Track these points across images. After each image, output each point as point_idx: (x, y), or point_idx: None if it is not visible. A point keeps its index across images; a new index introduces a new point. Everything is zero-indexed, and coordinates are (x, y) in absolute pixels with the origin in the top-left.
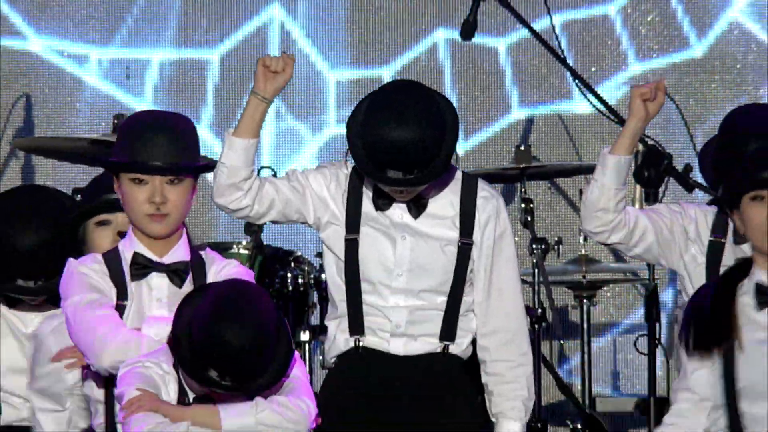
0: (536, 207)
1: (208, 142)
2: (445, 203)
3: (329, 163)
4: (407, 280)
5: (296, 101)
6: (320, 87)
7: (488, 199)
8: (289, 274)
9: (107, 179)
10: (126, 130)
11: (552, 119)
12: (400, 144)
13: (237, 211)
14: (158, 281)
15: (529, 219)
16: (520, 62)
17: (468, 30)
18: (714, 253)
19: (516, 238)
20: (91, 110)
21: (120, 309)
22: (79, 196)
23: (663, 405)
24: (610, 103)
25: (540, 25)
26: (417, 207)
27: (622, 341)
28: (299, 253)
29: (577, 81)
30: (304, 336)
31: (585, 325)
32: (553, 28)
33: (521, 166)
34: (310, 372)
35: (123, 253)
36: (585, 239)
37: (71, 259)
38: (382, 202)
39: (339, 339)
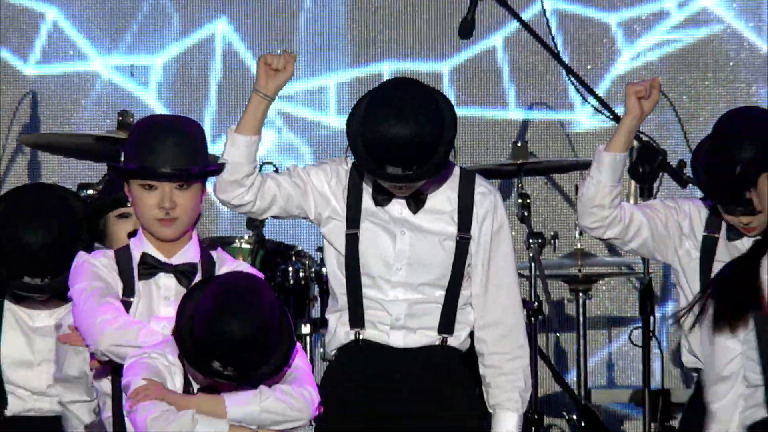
0: (533, 202)
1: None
2: (444, 199)
3: (330, 159)
4: (406, 274)
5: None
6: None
7: (486, 194)
8: (290, 268)
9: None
10: (135, 136)
11: (548, 116)
12: (399, 141)
13: (239, 207)
14: (166, 281)
15: (525, 214)
16: (516, 60)
17: (466, 28)
18: (707, 248)
19: (513, 233)
20: (95, 107)
21: (125, 305)
22: (88, 191)
23: (657, 396)
24: (604, 100)
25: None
26: (416, 202)
27: (617, 333)
28: (300, 248)
29: (572, 78)
30: (305, 329)
31: (581, 318)
32: (549, 26)
33: (518, 162)
34: (311, 364)
35: (133, 251)
36: (580, 234)
37: (81, 252)
38: (382, 198)
39: (339, 332)
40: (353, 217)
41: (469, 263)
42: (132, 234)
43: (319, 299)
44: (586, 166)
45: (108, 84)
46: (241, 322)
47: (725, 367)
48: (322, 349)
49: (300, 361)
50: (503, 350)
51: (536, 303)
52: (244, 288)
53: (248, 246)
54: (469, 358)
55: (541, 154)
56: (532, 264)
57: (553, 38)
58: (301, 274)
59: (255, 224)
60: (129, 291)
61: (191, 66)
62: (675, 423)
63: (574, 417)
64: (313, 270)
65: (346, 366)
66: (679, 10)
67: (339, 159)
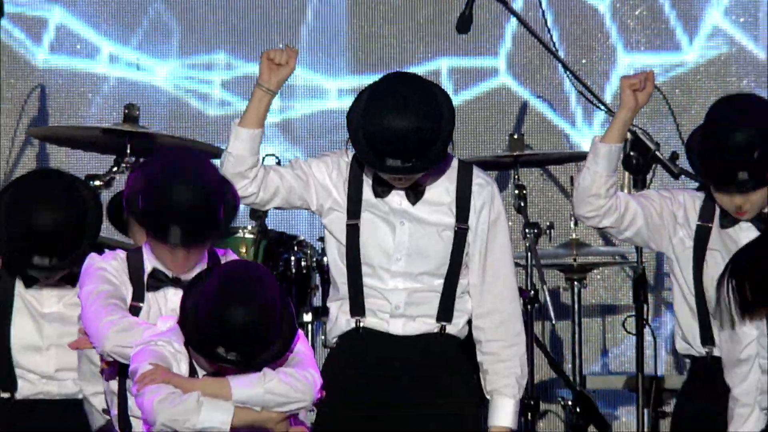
0: (529, 193)
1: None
2: (442, 190)
3: (331, 152)
4: (406, 263)
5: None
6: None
7: (483, 185)
8: (292, 258)
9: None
10: (152, 190)
11: (544, 109)
12: (399, 134)
13: (243, 198)
14: (174, 297)
15: (522, 204)
16: (513, 55)
17: (464, 23)
18: (701, 237)
19: (510, 223)
20: (102, 100)
21: (135, 310)
22: (95, 182)
23: (650, 382)
24: (598, 93)
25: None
26: (415, 194)
27: (611, 321)
28: (302, 238)
29: (568, 72)
30: (307, 317)
31: (576, 306)
32: (545, 21)
33: (515, 153)
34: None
35: (145, 261)
36: (576, 224)
37: (93, 254)
38: (382, 190)
39: (341, 320)
40: (354, 208)
41: (466, 253)
42: None
43: (320, 288)
44: (580, 158)
45: (114, 77)
46: (244, 309)
47: (743, 350)
48: (323, 337)
49: (302, 346)
50: (500, 338)
51: (532, 291)
52: (247, 276)
53: (251, 236)
54: (467, 345)
55: (537, 147)
56: (529, 253)
57: (550, 34)
58: (302, 264)
59: (258, 215)
60: (138, 297)
61: (197, 60)
62: (667, 408)
63: (570, 402)
64: (314, 259)
65: (347, 353)
66: (672, 7)
67: (340, 151)
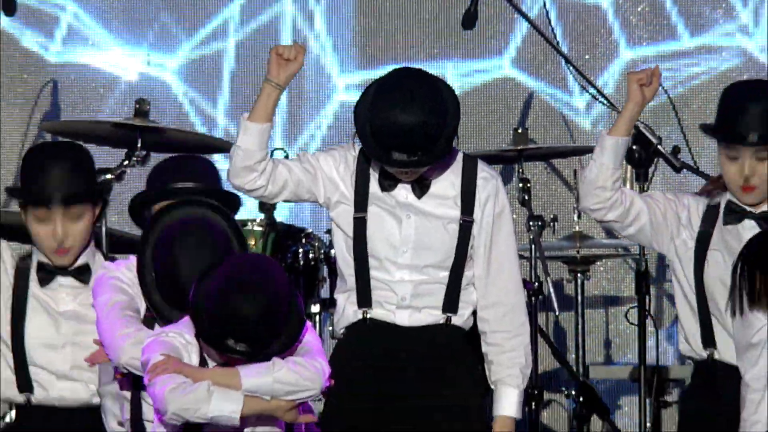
0: (533, 186)
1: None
2: (447, 184)
3: (338, 145)
4: (412, 256)
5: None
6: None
7: (488, 179)
8: (300, 250)
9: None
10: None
11: (548, 104)
12: (405, 128)
13: (252, 191)
14: None
15: (526, 198)
16: (518, 50)
17: (469, 20)
18: (702, 239)
19: (514, 216)
20: (114, 95)
21: (149, 321)
22: (106, 175)
23: (652, 372)
24: (601, 89)
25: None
26: (421, 188)
27: (614, 313)
28: (310, 230)
29: (571, 68)
30: (315, 308)
31: (579, 298)
32: (549, 18)
33: (519, 148)
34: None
35: None
36: (579, 216)
37: (106, 263)
38: (388, 183)
39: (348, 311)
40: (361, 202)
41: (471, 245)
42: None
43: (327, 280)
44: (584, 151)
45: (126, 73)
46: (253, 301)
47: (753, 335)
48: (331, 328)
49: (311, 337)
50: (505, 329)
51: (536, 283)
52: (256, 269)
53: (260, 228)
54: (472, 336)
55: (541, 141)
56: (533, 246)
57: (553, 31)
58: (310, 256)
59: (266, 208)
60: None
61: (206, 56)
62: (669, 398)
63: (573, 392)
64: (322, 252)
65: (354, 344)
66: (674, 4)
67: (347, 145)
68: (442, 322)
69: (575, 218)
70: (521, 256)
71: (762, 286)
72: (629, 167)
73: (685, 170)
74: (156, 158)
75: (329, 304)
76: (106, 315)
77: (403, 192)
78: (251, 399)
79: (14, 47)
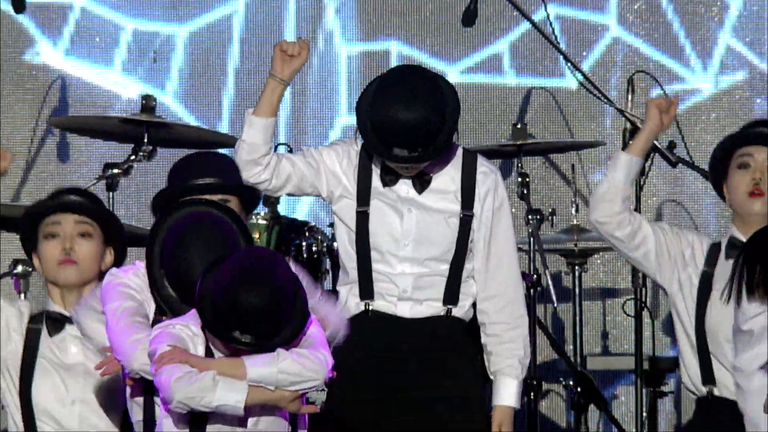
0: (532, 181)
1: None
2: (448, 179)
3: (341, 140)
4: (413, 249)
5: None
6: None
7: (487, 173)
8: (303, 243)
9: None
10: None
11: (546, 99)
12: (406, 125)
13: (257, 185)
14: None
15: (525, 192)
16: (517, 47)
17: (469, 17)
18: (705, 282)
19: (513, 210)
20: (121, 91)
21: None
22: (113, 170)
23: (649, 363)
24: (598, 85)
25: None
26: (421, 183)
27: (611, 304)
28: (313, 224)
29: (569, 64)
30: None
31: (577, 290)
32: (548, 15)
33: (518, 142)
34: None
35: None
36: (577, 210)
37: (113, 269)
38: (389, 179)
39: (350, 303)
40: (363, 196)
41: (471, 239)
42: None
43: (330, 272)
44: (582, 146)
45: (132, 69)
46: (258, 293)
47: (746, 322)
48: None
49: (314, 329)
50: (504, 320)
51: (535, 275)
52: (261, 261)
53: (264, 222)
54: (472, 327)
55: (540, 136)
56: (531, 239)
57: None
58: (313, 249)
59: (270, 201)
60: (162, 310)
61: (210, 52)
62: (665, 388)
63: (571, 383)
64: (325, 245)
65: (357, 335)
66: (670, 1)
67: (350, 140)
68: (442, 313)
69: (573, 212)
70: (520, 249)
71: (761, 279)
72: None
73: (680, 164)
74: (162, 153)
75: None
76: (116, 321)
77: (405, 187)
78: (256, 389)
79: (23, 44)
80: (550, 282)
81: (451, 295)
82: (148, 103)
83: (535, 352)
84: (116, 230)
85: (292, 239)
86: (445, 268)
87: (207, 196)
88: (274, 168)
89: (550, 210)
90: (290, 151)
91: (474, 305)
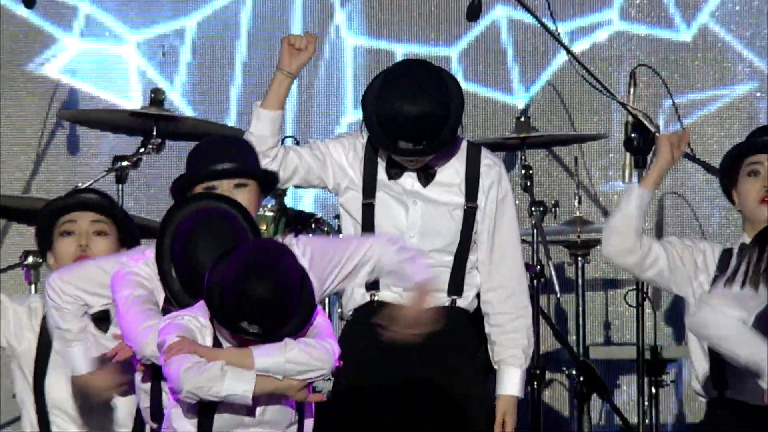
0: (535, 173)
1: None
2: (452, 172)
3: (347, 133)
4: (418, 241)
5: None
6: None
7: (491, 166)
8: (310, 235)
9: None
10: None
11: (549, 93)
12: (411, 118)
13: None
14: None
15: (528, 184)
16: (520, 41)
17: (473, 12)
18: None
19: (516, 202)
20: (130, 85)
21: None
22: (122, 162)
23: (650, 352)
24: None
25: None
26: (426, 176)
27: (614, 295)
28: (319, 215)
29: (571, 58)
30: None
31: (579, 281)
32: (551, 10)
33: (521, 135)
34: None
35: None
36: (579, 202)
37: (123, 258)
38: (395, 172)
39: (356, 293)
40: (369, 188)
41: (475, 231)
42: None
43: None
44: (584, 139)
45: (141, 63)
46: (266, 284)
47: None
48: (340, 310)
49: (321, 319)
50: (507, 311)
51: (538, 267)
52: (268, 253)
53: (271, 213)
54: (476, 318)
55: (543, 129)
56: (535, 230)
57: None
58: None
59: (277, 193)
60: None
61: (218, 46)
62: (666, 377)
63: (574, 372)
64: (331, 236)
65: (362, 325)
66: None
67: (355, 133)
68: (447, 304)
69: (576, 204)
70: (523, 241)
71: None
72: (628, 154)
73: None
74: (170, 146)
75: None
76: (128, 309)
77: (410, 180)
78: (263, 378)
79: (33, 37)
80: (553, 273)
81: (456, 286)
82: (156, 97)
83: (538, 342)
84: (131, 231)
85: (299, 231)
86: (450, 259)
87: (225, 180)
88: (281, 160)
89: (553, 202)
90: (297, 143)
91: (478, 296)
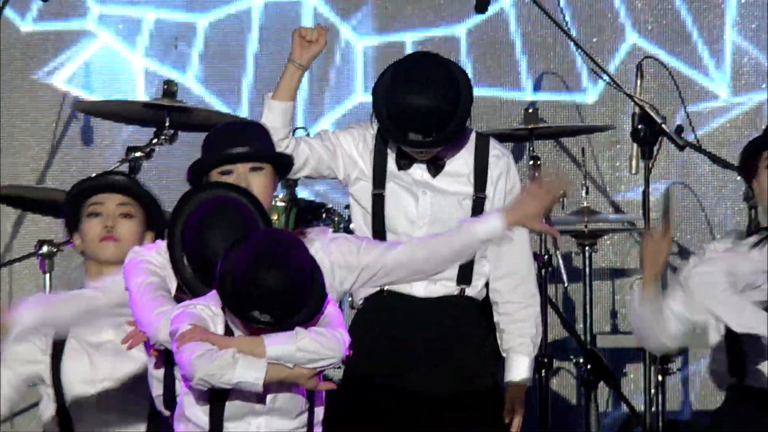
0: (543, 164)
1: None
2: (461, 162)
3: (357, 124)
4: (428, 230)
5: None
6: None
7: (500, 157)
8: (321, 225)
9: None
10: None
11: (557, 84)
12: (421, 110)
13: None
14: None
15: (536, 175)
16: (528, 33)
17: (482, 4)
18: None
19: None
20: (143, 76)
21: (179, 302)
22: (136, 153)
23: None
24: (607, 70)
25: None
26: (435, 167)
27: (620, 284)
28: (330, 206)
29: (579, 50)
30: None
31: (587, 270)
32: (558, 2)
33: (529, 126)
34: (341, 311)
35: None
36: (587, 193)
37: (135, 247)
38: (404, 163)
39: None
40: (379, 178)
41: None
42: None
43: None
44: (592, 130)
45: (154, 56)
46: (277, 273)
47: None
48: (350, 299)
49: (332, 308)
50: (516, 299)
51: (546, 256)
52: (279, 243)
53: (282, 204)
54: (485, 307)
55: (551, 120)
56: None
57: (563, 15)
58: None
59: (288, 184)
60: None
61: (230, 38)
62: (672, 365)
63: (581, 360)
64: (341, 226)
65: (373, 314)
66: None
67: (366, 124)
68: (456, 293)
69: (583, 194)
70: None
71: None
72: (635, 145)
73: (688, 148)
74: (183, 137)
75: None
76: (141, 295)
77: (419, 171)
78: (274, 366)
79: (48, 30)
80: (561, 262)
81: (465, 275)
82: (169, 88)
83: (546, 330)
84: (158, 214)
85: (310, 221)
86: None
87: (240, 164)
88: (292, 151)
89: (560, 192)
90: (308, 134)
91: (487, 285)
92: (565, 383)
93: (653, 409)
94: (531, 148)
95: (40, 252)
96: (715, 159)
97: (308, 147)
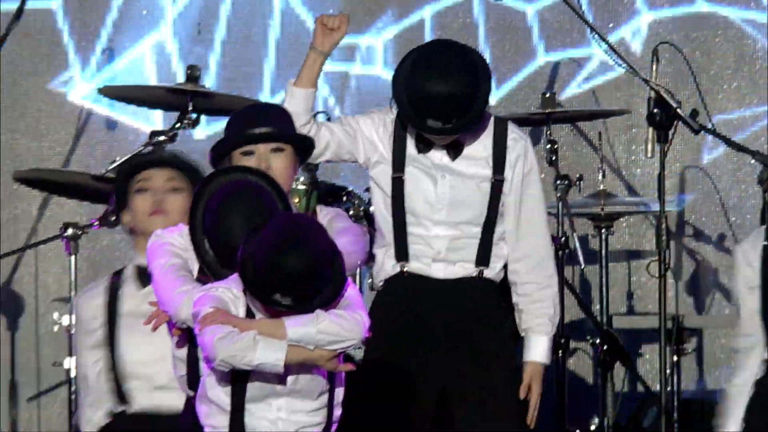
0: (560, 147)
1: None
2: (480, 146)
3: (377, 109)
4: (447, 213)
5: None
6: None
7: (517, 140)
8: (341, 208)
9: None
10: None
11: (574, 69)
12: (440, 97)
13: None
14: None
15: (553, 158)
16: (545, 19)
17: None
18: (765, 259)
19: (542, 175)
20: (167, 62)
21: (201, 284)
22: (159, 137)
23: (672, 322)
24: (623, 55)
25: None
26: (455, 151)
27: (636, 266)
28: (351, 188)
29: (596, 35)
30: None
31: (603, 252)
32: None
33: (546, 111)
34: (360, 293)
35: None
36: (603, 176)
37: (157, 230)
38: (423, 146)
39: (386, 264)
40: (399, 162)
41: (502, 203)
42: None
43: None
44: (608, 114)
45: (177, 41)
46: (298, 256)
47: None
48: (370, 280)
49: (352, 291)
50: (534, 280)
51: (563, 238)
52: (300, 227)
53: (303, 187)
54: (502, 288)
55: (568, 104)
56: (560, 203)
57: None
58: (351, 213)
59: (309, 167)
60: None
61: (252, 24)
62: (687, 346)
63: (597, 341)
64: (362, 209)
65: (393, 295)
66: None
67: (385, 109)
68: (475, 275)
69: (600, 177)
70: (549, 213)
71: None
72: (651, 129)
73: (703, 132)
74: (206, 121)
75: (369, 259)
76: (164, 275)
77: (438, 154)
78: (295, 348)
79: (72, 19)
80: (577, 245)
81: (484, 256)
82: (192, 74)
83: (563, 311)
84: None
85: (330, 204)
86: (478, 230)
87: (262, 144)
88: (313, 136)
89: (577, 176)
90: (328, 119)
91: (505, 267)
92: (581, 364)
93: (669, 389)
94: (548, 132)
95: (66, 234)
96: (729, 143)
97: (329, 132)
